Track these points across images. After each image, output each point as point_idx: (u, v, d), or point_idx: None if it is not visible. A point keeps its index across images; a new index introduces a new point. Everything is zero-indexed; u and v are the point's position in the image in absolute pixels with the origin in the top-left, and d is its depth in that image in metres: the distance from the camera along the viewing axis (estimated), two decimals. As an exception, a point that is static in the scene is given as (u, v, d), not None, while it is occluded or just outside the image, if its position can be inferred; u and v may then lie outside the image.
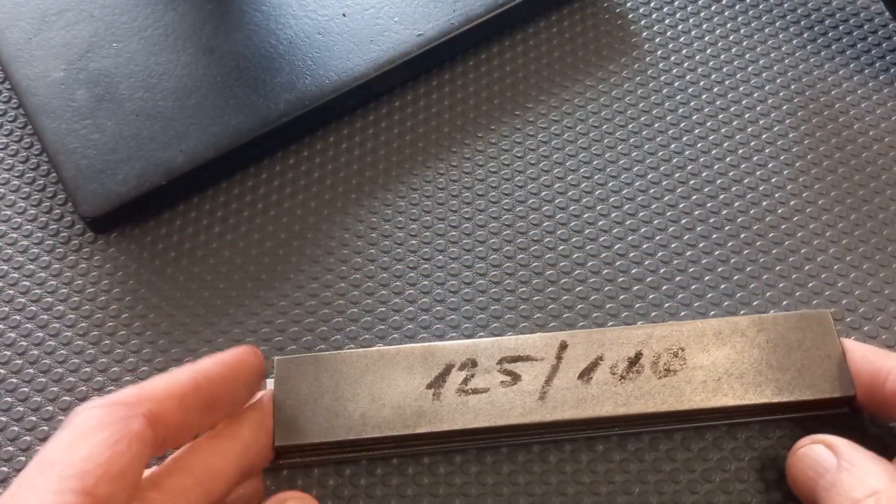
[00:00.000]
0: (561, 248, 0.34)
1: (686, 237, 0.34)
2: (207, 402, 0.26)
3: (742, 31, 0.39)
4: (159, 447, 0.25)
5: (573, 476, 0.29)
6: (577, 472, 0.29)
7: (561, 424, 0.29)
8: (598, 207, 0.35)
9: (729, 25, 0.39)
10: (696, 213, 0.34)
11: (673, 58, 0.38)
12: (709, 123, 0.36)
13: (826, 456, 0.26)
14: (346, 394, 0.29)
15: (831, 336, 0.29)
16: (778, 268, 0.33)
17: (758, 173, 0.35)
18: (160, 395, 0.25)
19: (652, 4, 0.40)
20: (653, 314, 0.32)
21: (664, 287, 0.33)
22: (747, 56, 0.38)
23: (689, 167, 0.35)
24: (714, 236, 0.34)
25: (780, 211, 0.34)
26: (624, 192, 0.35)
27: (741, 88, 0.37)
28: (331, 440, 0.28)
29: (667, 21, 0.39)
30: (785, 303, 0.32)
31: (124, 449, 0.23)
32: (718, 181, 0.35)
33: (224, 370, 0.27)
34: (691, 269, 0.33)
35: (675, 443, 0.30)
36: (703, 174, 0.35)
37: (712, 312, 0.32)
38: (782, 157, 0.36)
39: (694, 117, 0.37)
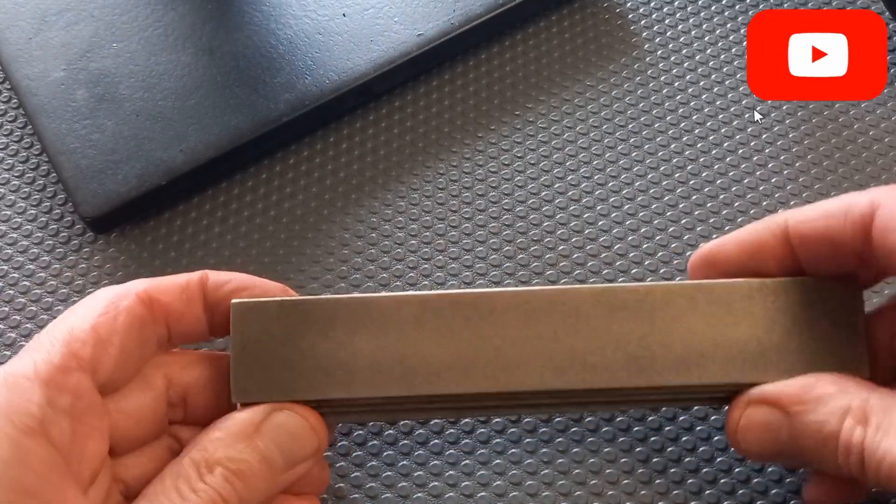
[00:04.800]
0: (561, 248, 0.34)
1: (686, 237, 0.34)
2: (214, 300, 0.27)
3: (742, 30, 0.39)
4: (163, 331, 0.26)
5: (569, 469, 0.29)
6: (570, 465, 0.29)
7: (557, 393, 0.26)
8: (598, 208, 0.35)
9: (729, 25, 0.39)
10: (696, 213, 0.34)
11: (673, 58, 0.38)
12: (708, 123, 0.36)
13: (769, 415, 0.25)
14: (315, 347, 0.26)
15: (855, 309, 0.26)
16: (778, 268, 0.33)
17: (757, 173, 0.35)
18: (159, 283, 0.26)
19: (652, 4, 0.40)
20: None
21: (664, 287, 0.33)
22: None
23: (689, 167, 0.35)
24: (714, 237, 0.34)
25: (780, 211, 0.34)
26: (624, 192, 0.35)
27: (741, 88, 0.37)
28: (295, 399, 0.26)
29: (667, 21, 0.39)
30: (785, 303, 0.32)
31: (111, 319, 0.25)
32: (718, 181, 0.35)
33: (241, 283, 0.27)
34: (691, 269, 0.33)
35: (676, 444, 0.30)
36: (703, 174, 0.35)
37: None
38: (782, 157, 0.36)
39: (694, 117, 0.37)
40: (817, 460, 0.24)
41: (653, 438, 0.30)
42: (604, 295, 0.26)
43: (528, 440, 0.30)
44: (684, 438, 0.30)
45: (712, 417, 0.30)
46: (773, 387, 0.25)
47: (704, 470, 0.29)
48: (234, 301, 0.26)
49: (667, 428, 0.30)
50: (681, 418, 0.30)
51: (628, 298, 0.26)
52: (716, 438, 0.30)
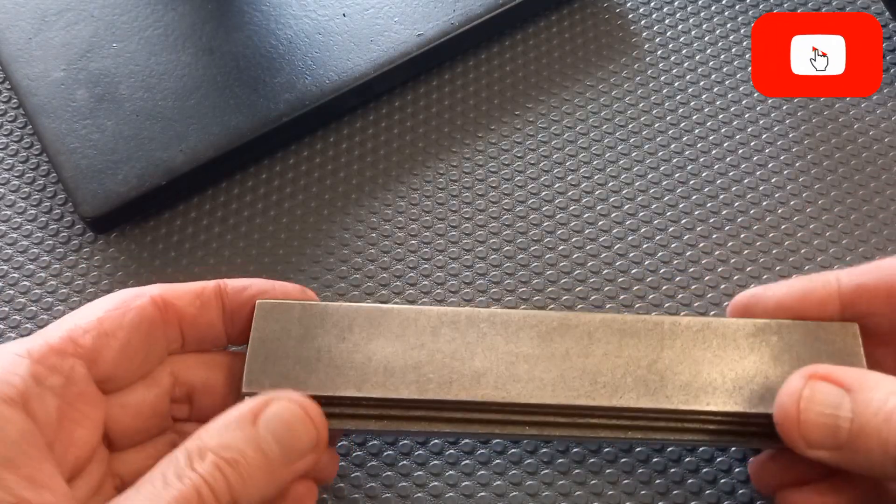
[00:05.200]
0: (561, 248, 0.34)
1: (686, 237, 0.34)
2: (234, 306, 0.27)
3: (742, 30, 0.39)
4: (175, 335, 0.26)
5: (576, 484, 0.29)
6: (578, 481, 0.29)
7: (565, 410, 0.27)
8: (598, 208, 0.35)
9: (729, 25, 0.39)
10: (696, 213, 0.34)
11: (673, 58, 0.38)
12: (709, 123, 0.36)
13: (833, 390, 0.24)
14: (331, 348, 0.27)
15: (855, 350, 0.27)
16: (778, 268, 0.33)
17: (758, 173, 0.35)
18: (174, 288, 0.27)
19: (652, 4, 0.40)
20: (652, 314, 0.32)
21: (664, 287, 0.33)
22: (747, 56, 0.38)
23: (689, 167, 0.35)
24: (714, 237, 0.34)
25: (780, 211, 0.34)
26: (624, 192, 0.35)
27: (741, 88, 0.37)
28: (306, 393, 0.26)
29: (667, 21, 0.39)
30: (785, 303, 0.32)
31: (119, 315, 0.25)
32: (718, 181, 0.35)
33: (260, 287, 0.28)
34: (691, 270, 0.33)
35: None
36: (703, 174, 0.35)
37: (712, 312, 0.32)
38: (782, 157, 0.36)
39: (694, 117, 0.37)
40: (876, 446, 0.23)
41: (653, 438, 0.30)
42: (615, 322, 0.27)
43: (528, 440, 0.30)
44: (684, 438, 0.30)
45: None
46: (827, 366, 0.25)
47: (704, 470, 0.29)
48: (259, 301, 0.27)
49: (667, 428, 0.30)
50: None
51: (638, 327, 0.27)
52: (716, 438, 0.30)
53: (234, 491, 0.23)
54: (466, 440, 0.30)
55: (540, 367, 0.27)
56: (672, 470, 0.29)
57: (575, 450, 0.30)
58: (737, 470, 0.29)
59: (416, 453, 0.30)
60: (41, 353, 0.24)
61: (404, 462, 0.30)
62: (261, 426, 0.24)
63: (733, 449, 0.29)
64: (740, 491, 0.29)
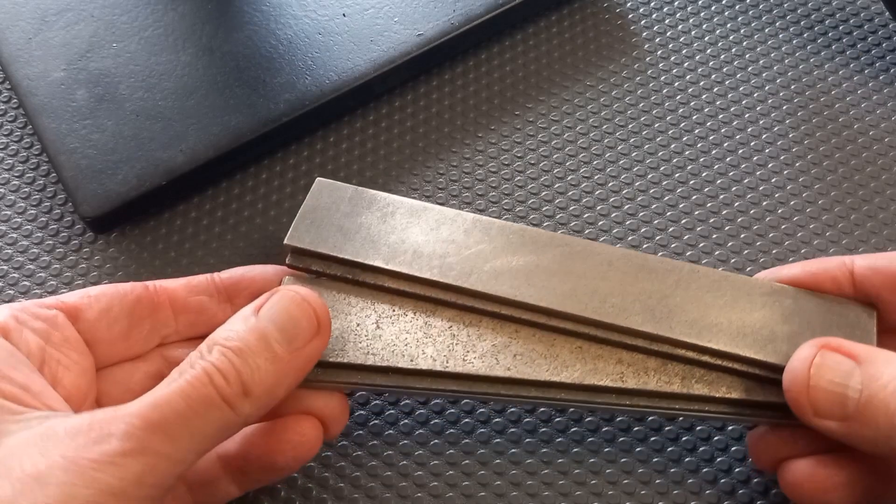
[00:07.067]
0: (561, 248, 0.34)
1: (686, 237, 0.34)
2: (224, 292, 0.29)
3: (742, 30, 0.39)
4: (167, 319, 0.28)
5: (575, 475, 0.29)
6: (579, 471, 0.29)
7: (571, 318, 0.28)
8: (598, 208, 0.35)
9: (729, 25, 0.39)
10: (696, 213, 0.34)
11: (673, 58, 0.38)
12: (709, 123, 0.37)
13: (844, 361, 0.24)
14: (372, 226, 0.29)
15: (868, 328, 0.27)
16: (778, 268, 0.33)
17: (758, 173, 0.35)
18: (170, 281, 0.29)
19: (652, 4, 0.40)
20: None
21: (664, 287, 0.33)
22: (747, 56, 0.38)
23: (689, 167, 0.36)
24: (714, 237, 0.34)
25: (780, 211, 0.34)
26: (624, 192, 0.35)
27: (741, 88, 0.37)
28: (339, 256, 0.29)
29: (667, 21, 0.39)
30: (785, 303, 0.32)
31: (106, 287, 0.27)
32: (718, 181, 0.35)
33: (248, 272, 0.29)
34: (691, 270, 0.33)
35: (676, 444, 0.30)
36: (703, 174, 0.35)
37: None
38: (782, 157, 0.36)
39: (694, 117, 0.37)
40: (882, 419, 0.23)
41: (653, 438, 0.30)
42: (637, 258, 0.29)
43: (528, 440, 0.30)
44: (684, 438, 0.30)
45: (712, 417, 0.30)
46: (839, 339, 0.25)
47: (704, 470, 0.29)
48: (319, 178, 0.31)
49: (666, 428, 0.30)
50: (680, 418, 0.30)
51: (658, 266, 0.29)
52: (716, 438, 0.30)
53: (243, 376, 0.23)
54: (467, 440, 0.30)
55: (556, 279, 0.28)
56: (672, 470, 0.29)
57: (575, 450, 0.30)
58: (737, 470, 0.29)
59: (417, 453, 0.30)
60: (22, 305, 0.25)
61: (404, 462, 0.30)
62: (262, 315, 0.25)
63: (734, 448, 0.29)
64: (740, 491, 0.29)
